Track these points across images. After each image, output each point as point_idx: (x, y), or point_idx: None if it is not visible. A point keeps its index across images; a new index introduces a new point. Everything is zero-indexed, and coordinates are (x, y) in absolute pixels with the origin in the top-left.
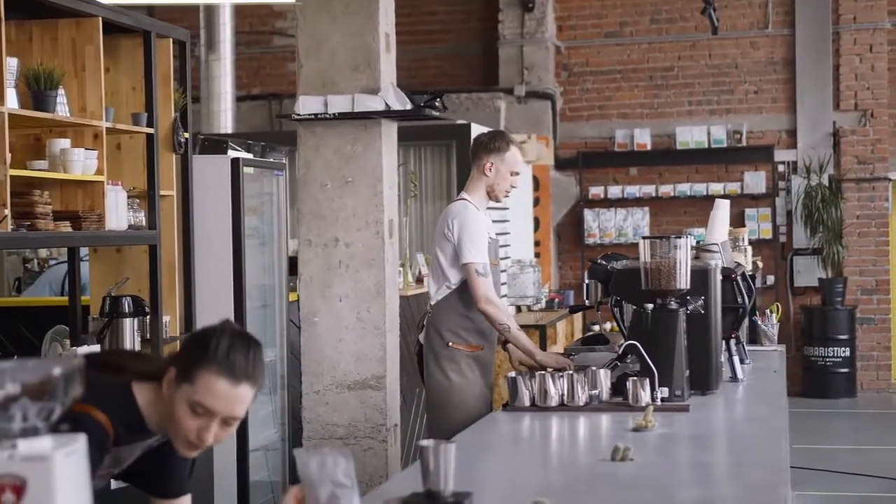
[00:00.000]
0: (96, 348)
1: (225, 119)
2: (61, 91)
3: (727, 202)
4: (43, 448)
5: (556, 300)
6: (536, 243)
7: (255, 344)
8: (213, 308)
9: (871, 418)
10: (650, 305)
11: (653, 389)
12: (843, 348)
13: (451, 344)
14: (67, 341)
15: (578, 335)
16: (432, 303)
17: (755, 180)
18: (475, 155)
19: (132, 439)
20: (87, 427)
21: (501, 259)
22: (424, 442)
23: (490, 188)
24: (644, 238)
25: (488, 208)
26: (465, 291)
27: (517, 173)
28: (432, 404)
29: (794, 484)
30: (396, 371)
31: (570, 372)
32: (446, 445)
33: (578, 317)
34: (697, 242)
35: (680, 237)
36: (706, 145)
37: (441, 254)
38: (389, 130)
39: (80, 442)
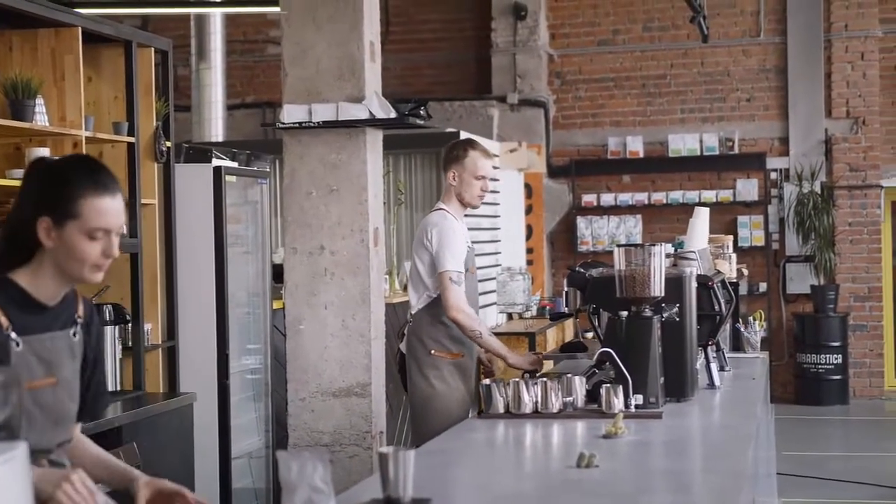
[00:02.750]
0: None
1: (216, 127)
2: (40, 100)
3: (706, 210)
4: None
5: (548, 308)
6: (529, 251)
7: (100, 162)
8: (196, 315)
9: (863, 425)
10: (624, 313)
11: (626, 397)
12: (835, 355)
13: (433, 352)
14: None
15: None
16: (413, 311)
17: (747, 188)
18: (443, 166)
19: (32, 325)
20: None
21: (491, 266)
22: (383, 449)
23: (459, 196)
24: (619, 246)
25: (466, 215)
26: None
27: (482, 177)
28: (416, 412)
29: (783, 491)
30: (382, 378)
31: (545, 380)
32: (405, 453)
33: (570, 324)
34: (675, 250)
35: (654, 245)
36: (699, 153)
37: (420, 263)
38: (374, 139)
39: (18, 450)
